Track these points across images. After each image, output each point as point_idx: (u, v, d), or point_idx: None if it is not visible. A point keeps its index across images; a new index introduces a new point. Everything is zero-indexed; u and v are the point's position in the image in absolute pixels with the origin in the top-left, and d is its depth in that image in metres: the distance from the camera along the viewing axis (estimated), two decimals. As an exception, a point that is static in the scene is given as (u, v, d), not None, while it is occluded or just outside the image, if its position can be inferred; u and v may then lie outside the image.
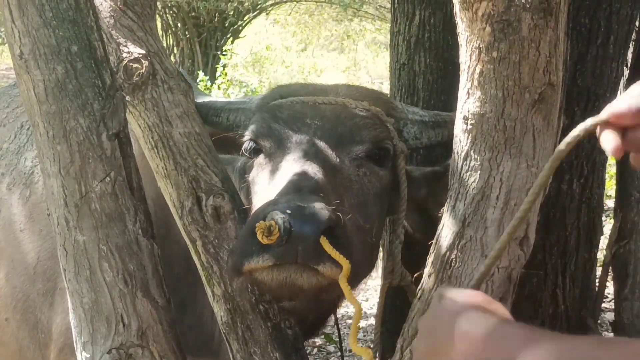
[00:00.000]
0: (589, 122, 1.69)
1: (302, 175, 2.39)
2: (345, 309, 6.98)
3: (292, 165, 2.46)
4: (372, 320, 6.39)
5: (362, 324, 6.60)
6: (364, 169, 2.59)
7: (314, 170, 2.40)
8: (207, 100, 2.88)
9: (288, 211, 2.14)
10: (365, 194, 2.58)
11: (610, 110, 1.65)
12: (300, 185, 2.33)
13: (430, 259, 2.33)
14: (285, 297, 2.41)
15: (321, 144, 2.54)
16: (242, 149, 2.73)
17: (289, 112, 2.67)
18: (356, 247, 2.31)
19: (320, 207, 2.18)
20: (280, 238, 2.12)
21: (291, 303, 2.52)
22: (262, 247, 2.18)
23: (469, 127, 2.20)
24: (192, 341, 2.94)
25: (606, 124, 1.65)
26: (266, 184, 2.56)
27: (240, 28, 18.62)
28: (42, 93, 2.30)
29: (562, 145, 1.72)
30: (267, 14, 20.05)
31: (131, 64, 2.49)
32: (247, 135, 2.71)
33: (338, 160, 2.53)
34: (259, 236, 2.13)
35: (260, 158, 2.67)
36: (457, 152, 2.26)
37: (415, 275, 2.43)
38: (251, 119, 2.75)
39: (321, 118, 2.62)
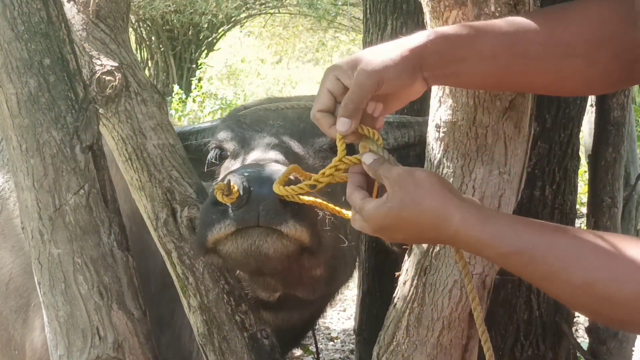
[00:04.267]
0: None
1: (263, 157, 2.43)
2: (322, 319, 6.97)
3: (255, 156, 2.49)
4: (349, 332, 6.40)
5: (340, 335, 6.59)
6: (329, 161, 2.60)
7: (276, 156, 2.43)
8: (176, 129, 2.90)
9: (246, 174, 2.16)
10: (332, 185, 2.59)
11: None
12: (259, 161, 2.37)
13: (405, 267, 2.35)
14: (253, 267, 2.35)
15: (284, 138, 2.57)
16: (208, 158, 2.75)
17: (252, 117, 2.73)
18: (321, 221, 2.30)
19: (278, 168, 2.20)
20: (240, 198, 2.12)
21: (274, 314, 2.53)
22: (222, 214, 2.18)
23: (442, 135, 2.22)
24: (170, 358, 2.92)
25: None
26: None
27: (215, 41, 18.66)
28: (15, 106, 2.29)
29: None
30: (241, 26, 20.08)
31: (104, 76, 2.48)
32: (212, 143, 2.75)
33: (302, 152, 2.56)
34: (219, 196, 2.12)
35: (227, 162, 2.70)
36: (430, 160, 2.27)
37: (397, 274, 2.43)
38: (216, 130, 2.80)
39: (284, 119, 2.68)
